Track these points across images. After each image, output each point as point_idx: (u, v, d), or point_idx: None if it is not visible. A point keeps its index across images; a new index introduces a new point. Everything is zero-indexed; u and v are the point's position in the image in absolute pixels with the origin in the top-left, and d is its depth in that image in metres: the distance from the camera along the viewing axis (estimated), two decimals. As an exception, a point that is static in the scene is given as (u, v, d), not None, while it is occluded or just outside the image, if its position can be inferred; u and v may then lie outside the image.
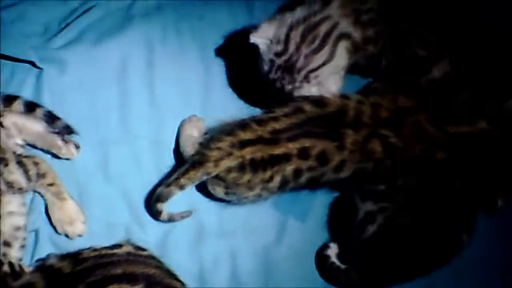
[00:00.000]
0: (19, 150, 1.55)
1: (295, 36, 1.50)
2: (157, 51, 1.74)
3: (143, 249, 1.50)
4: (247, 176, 1.47)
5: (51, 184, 1.56)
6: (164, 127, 1.67)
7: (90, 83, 1.68)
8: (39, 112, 1.60)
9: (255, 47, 1.54)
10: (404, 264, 1.53)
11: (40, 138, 1.60)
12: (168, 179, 1.53)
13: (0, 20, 1.72)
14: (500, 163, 1.48)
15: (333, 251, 1.60)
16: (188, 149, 1.57)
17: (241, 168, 1.46)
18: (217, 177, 1.48)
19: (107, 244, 1.48)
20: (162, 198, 1.52)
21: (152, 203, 1.55)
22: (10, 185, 1.46)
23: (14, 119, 1.57)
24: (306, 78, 1.51)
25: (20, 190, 1.50)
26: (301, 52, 1.50)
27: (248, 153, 1.45)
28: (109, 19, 1.77)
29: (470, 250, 1.55)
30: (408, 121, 1.48)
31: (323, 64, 1.50)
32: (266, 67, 1.53)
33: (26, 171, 1.50)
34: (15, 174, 1.48)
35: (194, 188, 1.61)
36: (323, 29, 1.50)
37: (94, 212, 1.61)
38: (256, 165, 1.46)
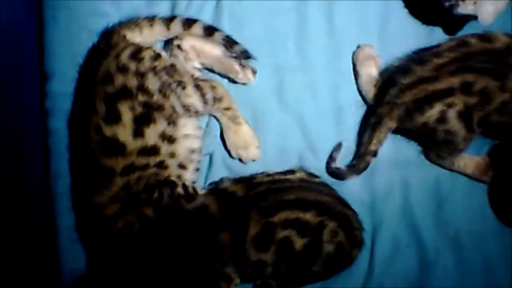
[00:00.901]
0: (197, 74, 1.56)
1: None
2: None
3: (316, 176, 1.49)
4: None
5: (227, 108, 1.57)
6: (340, 56, 1.62)
7: (269, 8, 1.65)
8: (217, 36, 1.59)
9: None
10: None
11: (217, 62, 1.60)
12: (359, 150, 1.54)
13: None
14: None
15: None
16: (368, 88, 1.54)
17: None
18: None
19: (280, 170, 1.50)
20: (360, 171, 1.53)
21: (357, 159, 1.55)
22: (186, 108, 1.48)
23: (192, 42, 1.58)
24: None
25: (196, 114, 1.52)
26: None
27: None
28: None
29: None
30: None
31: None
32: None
33: (203, 95, 1.52)
34: (192, 98, 1.49)
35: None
36: None
37: (268, 137, 1.61)
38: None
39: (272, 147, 1.60)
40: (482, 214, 1.56)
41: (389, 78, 1.50)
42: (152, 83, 1.42)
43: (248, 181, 1.44)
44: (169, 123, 1.45)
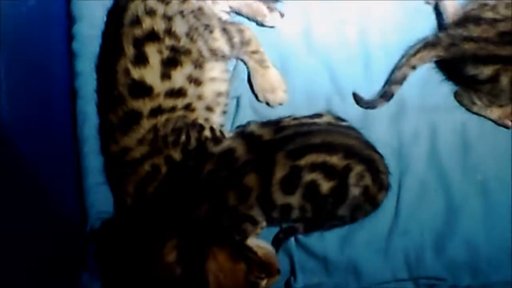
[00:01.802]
0: (225, 17, 1.55)
1: None
2: None
3: (343, 120, 1.49)
4: None
5: (254, 52, 1.56)
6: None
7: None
8: (245, -21, 1.58)
9: None
10: None
11: (245, 5, 1.59)
12: (400, 61, 1.55)
13: None
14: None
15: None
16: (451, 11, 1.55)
17: None
18: None
19: (307, 114, 1.49)
20: (396, 81, 1.52)
21: (387, 85, 1.55)
22: (213, 52, 1.48)
23: (220, -15, 1.57)
24: None
25: (223, 57, 1.51)
26: None
27: None
28: None
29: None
30: None
31: None
32: None
33: (230, 39, 1.51)
34: (219, 41, 1.49)
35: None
36: None
37: (296, 81, 1.60)
38: None
39: (299, 91, 1.60)
40: (509, 159, 1.54)
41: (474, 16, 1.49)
42: (180, 26, 1.42)
43: (275, 125, 1.43)
44: (196, 66, 1.44)
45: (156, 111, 1.40)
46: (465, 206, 1.53)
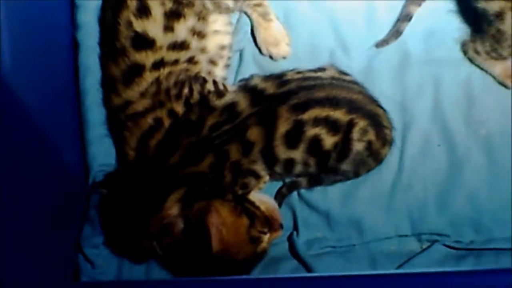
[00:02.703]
0: (228, -31, 1.54)
1: None
2: None
3: (347, 74, 1.47)
4: None
5: (258, 5, 1.54)
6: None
7: None
8: None
9: None
10: None
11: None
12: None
13: None
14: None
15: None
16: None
17: None
18: None
19: (310, 67, 1.47)
20: (403, 18, 1.54)
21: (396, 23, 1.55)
22: (217, 4, 1.46)
23: None
24: None
25: (227, 10, 1.49)
26: None
27: None
28: None
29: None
30: None
31: None
32: None
33: None
34: (223, -7, 1.48)
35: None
36: None
37: (299, 35, 1.58)
38: None
39: (303, 44, 1.58)
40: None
41: None
42: (182, -22, 1.41)
43: (278, 78, 1.42)
44: (199, 19, 1.43)
45: (159, 64, 1.39)
46: (469, 161, 1.51)
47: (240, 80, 1.53)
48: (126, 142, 1.42)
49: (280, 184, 1.51)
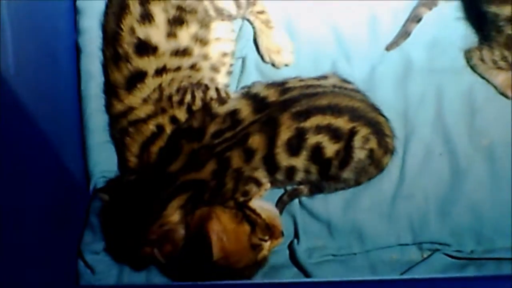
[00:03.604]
0: (231, -23, 1.55)
1: None
2: None
3: (349, 82, 1.47)
4: None
5: (260, 12, 1.55)
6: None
7: None
8: None
9: None
10: None
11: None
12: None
13: None
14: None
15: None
16: None
17: None
18: None
19: (313, 75, 1.47)
20: (412, 19, 1.56)
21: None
22: (220, 11, 1.46)
23: None
24: None
25: (230, 17, 1.50)
26: None
27: None
28: None
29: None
30: None
31: None
32: None
33: None
34: (226, 1, 1.47)
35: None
36: None
37: (302, 43, 1.59)
38: None
39: (305, 53, 1.59)
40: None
41: None
42: (186, -15, 1.41)
43: (280, 86, 1.42)
44: (201, 26, 1.43)
45: (161, 70, 1.39)
46: (470, 171, 1.51)
47: (242, 87, 1.52)
48: (127, 149, 1.43)
49: (281, 191, 1.51)
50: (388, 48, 1.59)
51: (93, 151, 1.53)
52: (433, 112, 1.56)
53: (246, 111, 1.38)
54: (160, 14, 1.39)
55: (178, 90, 1.41)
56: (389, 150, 1.45)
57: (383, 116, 1.45)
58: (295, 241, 1.50)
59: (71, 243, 1.50)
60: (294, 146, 1.36)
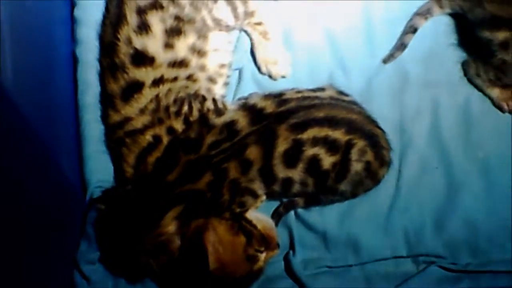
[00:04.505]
0: (229, -13, 1.55)
1: None
2: None
3: (346, 94, 1.47)
4: None
5: (258, 24, 1.55)
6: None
7: None
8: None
9: None
10: None
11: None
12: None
13: None
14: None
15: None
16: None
17: None
18: None
19: (310, 87, 1.47)
20: (408, 31, 1.57)
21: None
22: (217, 22, 1.46)
23: (224, -46, 1.56)
24: None
25: (227, 28, 1.50)
26: None
27: None
28: None
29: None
30: None
31: None
32: None
33: (234, 9, 1.49)
34: (224, 11, 1.47)
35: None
36: None
37: (299, 55, 1.60)
38: None
39: (302, 65, 1.59)
40: (511, 137, 1.53)
41: None
42: (184, -5, 1.41)
43: (277, 97, 1.41)
44: (199, 37, 1.43)
45: (158, 81, 1.39)
46: (466, 184, 1.51)
47: (239, 98, 1.53)
48: (124, 159, 1.42)
49: (277, 203, 1.51)
50: (385, 60, 1.59)
51: (90, 160, 1.52)
52: (429, 125, 1.56)
53: (243, 123, 1.38)
54: (157, 24, 1.39)
55: (175, 101, 1.40)
56: (385, 163, 1.45)
57: (380, 128, 1.45)
58: (291, 252, 1.50)
59: (67, 253, 1.49)
60: (291, 157, 1.36)
